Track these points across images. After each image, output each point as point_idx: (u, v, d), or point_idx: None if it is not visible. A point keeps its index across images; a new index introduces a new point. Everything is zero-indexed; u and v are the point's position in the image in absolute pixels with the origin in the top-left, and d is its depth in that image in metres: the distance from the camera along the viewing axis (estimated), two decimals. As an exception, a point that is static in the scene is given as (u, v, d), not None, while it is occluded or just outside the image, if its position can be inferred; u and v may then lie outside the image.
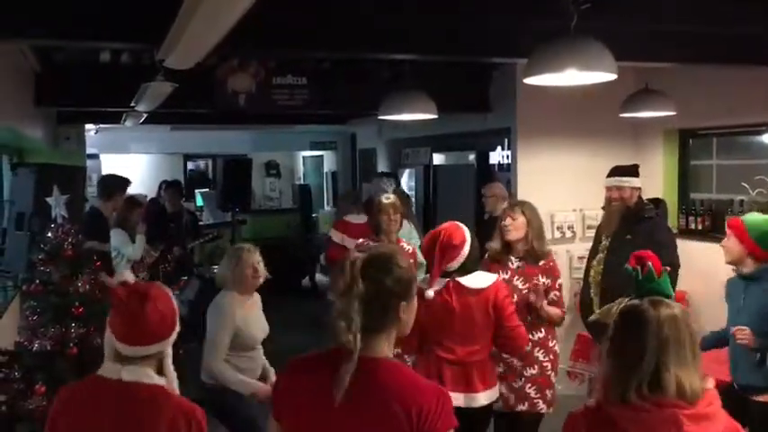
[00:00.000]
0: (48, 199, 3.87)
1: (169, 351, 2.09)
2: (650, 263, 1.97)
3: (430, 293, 3.24)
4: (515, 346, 3.46)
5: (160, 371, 2.06)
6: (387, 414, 1.74)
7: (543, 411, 3.81)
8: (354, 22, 3.73)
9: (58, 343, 3.46)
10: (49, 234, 3.65)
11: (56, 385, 3.40)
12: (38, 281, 3.60)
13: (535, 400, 3.77)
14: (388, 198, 4.78)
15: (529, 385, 3.76)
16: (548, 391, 3.81)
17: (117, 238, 5.87)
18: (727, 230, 3.68)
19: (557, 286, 3.85)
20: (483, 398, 3.36)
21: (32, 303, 3.61)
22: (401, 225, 4.78)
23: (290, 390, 1.89)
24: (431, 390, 1.82)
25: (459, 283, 3.32)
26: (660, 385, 1.75)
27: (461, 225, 3.47)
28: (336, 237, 6.92)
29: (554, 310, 3.81)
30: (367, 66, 6.18)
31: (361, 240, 4.91)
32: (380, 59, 5.70)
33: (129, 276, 2.79)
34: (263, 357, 3.99)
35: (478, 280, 3.36)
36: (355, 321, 1.76)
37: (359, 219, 6.74)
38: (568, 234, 6.08)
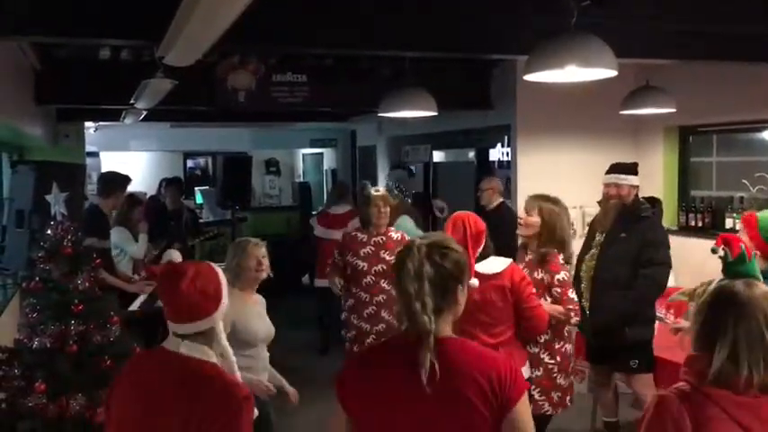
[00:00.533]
0: (47, 196, 3.86)
1: (220, 327, 2.14)
2: (742, 245, 1.98)
3: (475, 282, 3.26)
4: (535, 327, 3.52)
5: None
6: (471, 388, 1.80)
7: (550, 413, 3.79)
8: (355, 19, 3.72)
9: (58, 340, 3.45)
10: (49, 231, 3.64)
11: (55, 383, 3.41)
12: (37, 278, 3.59)
13: (540, 402, 3.74)
14: (378, 191, 4.83)
15: (533, 387, 3.72)
16: (554, 394, 3.77)
17: (119, 235, 5.87)
18: (740, 225, 3.70)
19: (556, 282, 3.76)
20: (523, 372, 3.41)
21: (32, 301, 3.60)
22: (390, 218, 4.86)
23: (363, 384, 1.91)
24: (501, 358, 1.92)
25: (475, 270, 3.37)
26: None
27: (472, 213, 3.57)
28: (318, 231, 6.97)
29: (553, 308, 3.73)
30: (367, 63, 6.18)
31: (350, 228, 4.96)
32: (381, 57, 5.70)
33: (177, 256, 2.82)
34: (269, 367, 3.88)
35: (494, 265, 3.44)
36: (428, 303, 1.83)
37: (340, 209, 6.78)
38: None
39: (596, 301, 4.38)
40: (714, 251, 2.02)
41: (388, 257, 4.71)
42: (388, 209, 4.81)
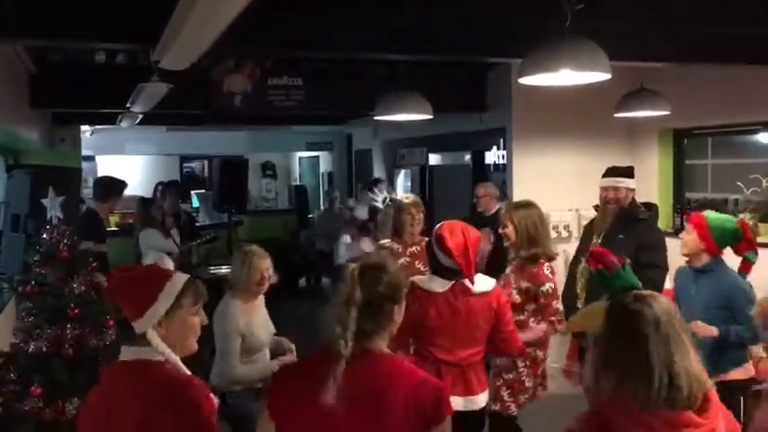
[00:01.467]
0: (43, 200, 3.86)
1: (153, 337, 2.02)
2: (612, 258, 1.96)
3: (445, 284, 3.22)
4: (508, 350, 3.46)
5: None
6: (392, 405, 1.86)
7: (515, 414, 3.83)
8: (352, 22, 3.73)
9: (54, 344, 3.44)
10: (45, 235, 3.63)
11: (51, 387, 3.41)
12: (33, 282, 3.59)
13: (507, 403, 3.78)
14: (408, 197, 4.69)
15: (504, 388, 3.78)
16: (521, 396, 3.80)
17: (151, 237, 6.07)
18: (688, 225, 3.84)
19: (540, 293, 3.72)
20: (481, 399, 3.36)
21: (28, 305, 3.59)
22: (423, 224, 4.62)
23: (286, 391, 1.98)
24: (431, 381, 1.97)
25: (464, 285, 3.24)
26: (673, 384, 1.66)
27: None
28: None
29: (533, 336, 3.71)
30: (363, 66, 6.19)
31: (384, 241, 4.81)
32: (376, 60, 5.71)
33: (167, 262, 2.83)
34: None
35: (481, 283, 3.30)
36: (350, 328, 1.89)
37: None
38: (564, 234, 6.09)
39: (591, 303, 4.39)
40: (592, 272, 2.02)
41: (423, 269, 4.27)
42: (422, 215, 4.60)
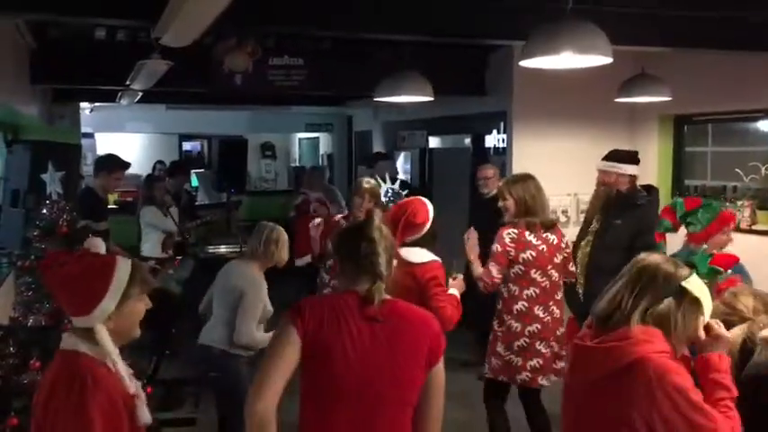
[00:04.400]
0: (43, 176, 3.85)
1: (101, 331, 1.99)
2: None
3: None
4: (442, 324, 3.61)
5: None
6: (416, 336, 2.11)
7: (488, 375, 4.01)
8: (353, 2, 3.72)
9: (53, 318, 3.46)
10: (44, 211, 3.64)
11: (50, 360, 3.43)
12: (33, 257, 3.60)
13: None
14: (369, 182, 4.78)
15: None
16: (492, 359, 3.96)
17: (151, 215, 6.11)
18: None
19: (519, 260, 3.87)
20: None
21: (27, 279, 3.60)
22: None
23: (318, 313, 2.07)
24: (434, 318, 2.23)
25: (400, 253, 3.25)
26: None
27: (428, 203, 3.55)
28: None
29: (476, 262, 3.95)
30: (364, 47, 6.17)
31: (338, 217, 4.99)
32: (378, 41, 5.69)
33: (98, 244, 2.77)
34: None
35: (417, 255, 3.41)
36: (383, 255, 2.15)
37: None
38: (563, 218, 6.11)
39: (590, 288, 4.42)
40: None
41: None
42: (372, 204, 4.61)
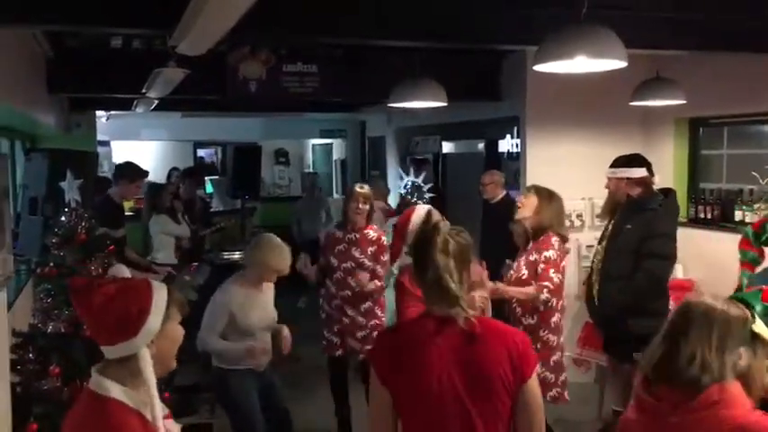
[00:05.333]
0: (61, 183, 3.90)
1: (145, 357, 1.84)
2: None
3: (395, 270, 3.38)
4: None
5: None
6: (498, 359, 2.00)
7: None
8: (365, 9, 3.74)
9: (72, 325, 3.49)
10: (63, 218, 3.68)
11: (70, 367, 3.46)
12: (51, 264, 3.64)
13: None
14: (363, 188, 4.82)
15: None
16: None
17: (160, 222, 6.21)
18: None
19: (542, 258, 3.90)
20: None
21: (46, 286, 3.64)
22: (370, 215, 4.82)
23: (395, 354, 2.05)
24: (520, 333, 2.12)
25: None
26: None
27: (428, 207, 3.66)
28: None
29: (515, 290, 3.89)
30: (377, 54, 6.19)
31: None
32: (391, 47, 5.71)
33: (124, 271, 2.75)
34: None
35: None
36: (455, 275, 2.04)
37: None
38: (577, 223, 6.09)
39: (602, 292, 4.42)
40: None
41: (357, 255, 4.71)
42: (368, 206, 4.76)
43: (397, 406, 2.04)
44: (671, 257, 4.37)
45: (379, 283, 4.71)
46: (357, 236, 4.77)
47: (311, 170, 13.47)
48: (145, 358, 1.82)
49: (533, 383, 2.01)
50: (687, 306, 1.88)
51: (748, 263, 4.14)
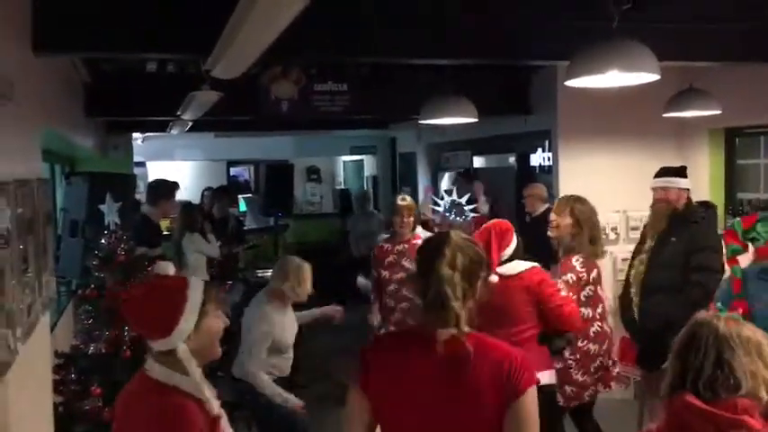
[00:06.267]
0: (101, 206, 3.99)
1: (183, 351, 1.98)
2: None
3: (494, 278, 3.30)
4: (566, 323, 3.58)
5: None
6: (485, 375, 1.89)
7: (562, 404, 3.89)
8: (395, 28, 3.77)
9: (113, 346, 3.56)
10: (103, 240, 3.77)
11: (110, 387, 3.52)
12: (92, 286, 3.72)
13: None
14: (405, 199, 4.88)
15: None
16: (567, 387, 3.88)
17: (194, 241, 6.29)
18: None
19: (560, 284, 3.80)
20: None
21: (87, 308, 3.73)
22: (415, 225, 4.91)
23: (382, 366, 1.99)
24: (514, 349, 1.99)
25: (497, 271, 3.44)
26: None
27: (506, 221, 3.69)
28: None
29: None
30: (407, 71, 6.23)
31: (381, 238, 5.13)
32: (420, 65, 5.74)
33: (168, 268, 2.85)
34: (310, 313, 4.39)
35: (516, 266, 3.53)
36: (458, 290, 1.92)
37: None
38: (612, 236, 6.02)
39: (645, 306, 4.36)
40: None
41: (408, 265, 4.73)
42: (412, 218, 4.86)
43: (375, 414, 1.99)
44: (720, 271, 4.31)
45: None
46: (406, 246, 4.84)
47: (343, 187, 13.54)
48: (185, 352, 1.96)
49: (526, 400, 1.89)
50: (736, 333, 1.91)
51: (733, 256, 4.05)
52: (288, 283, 4.01)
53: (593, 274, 3.94)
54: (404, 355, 1.97)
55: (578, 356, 3.90)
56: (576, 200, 4.10)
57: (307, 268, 4.07)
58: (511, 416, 1.87)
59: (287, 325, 4.08)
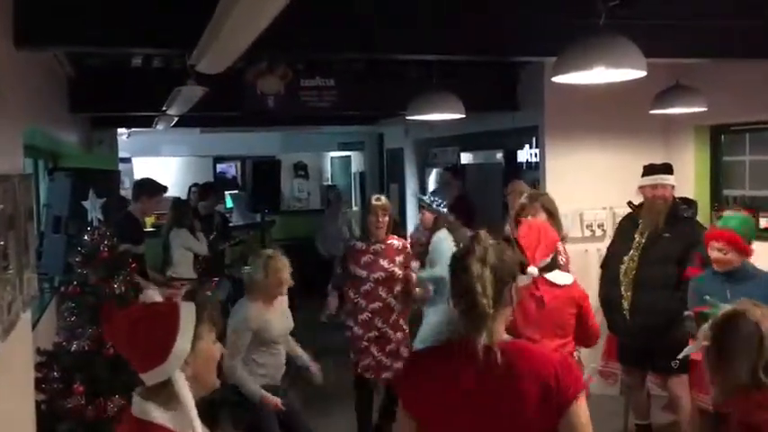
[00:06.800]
0: (84, 203, 3.95)
1: (178, 379, 1.82)
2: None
3: (534, 271, 3.25)
4: (590, 341, 3.61)
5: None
6: (531, 387, 1.85)
7: None
8: (382, 23, 3.75)
9: (96, 343, 3.53)
10: (86, 237, 3.73)
11: (93, 385, 3.49)
12: (75, 282, 3.68)
13: None
14: (379, 199, 4.83)
15: None
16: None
17: (182, 237, 6.25)
18: (721, 244, 3.72)
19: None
20: None
21: (70, 304, 3.69)
22: (389, 227, 4.85)
23: (421, 385, 1.97)
24: (558, 357, 1.97)
25: (546, 279, 3.38)
26: None
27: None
28: None
29: None
30: (394, 66, 6.20)
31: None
32: (408, 60, 5.72)
33: (155, 295, 2.80)
34: (297, 347, 4.25)
35: (562, 277, 3.46)
36: (488, 288, 1.87)
37: None
38: (598, 232, 6.03)
39: (638, 302, 4.37)
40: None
41: (386, 265, 4.76)
42: (387, 218, 4.81)
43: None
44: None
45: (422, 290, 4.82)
46: (382, 246, 4.82)
47: (330, 183, 13.50)
48: (179, 381, 1.80)
49: (577, 407, 1.86)
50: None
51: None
52: (260, 276, 3.93)
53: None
54: (445, 369, 1.93)
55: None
56: (538, 194, 4.22)
57: (278, 258, 3.96)
58: (564, 425, 1.86)
59: (271, 319, 3.99)
